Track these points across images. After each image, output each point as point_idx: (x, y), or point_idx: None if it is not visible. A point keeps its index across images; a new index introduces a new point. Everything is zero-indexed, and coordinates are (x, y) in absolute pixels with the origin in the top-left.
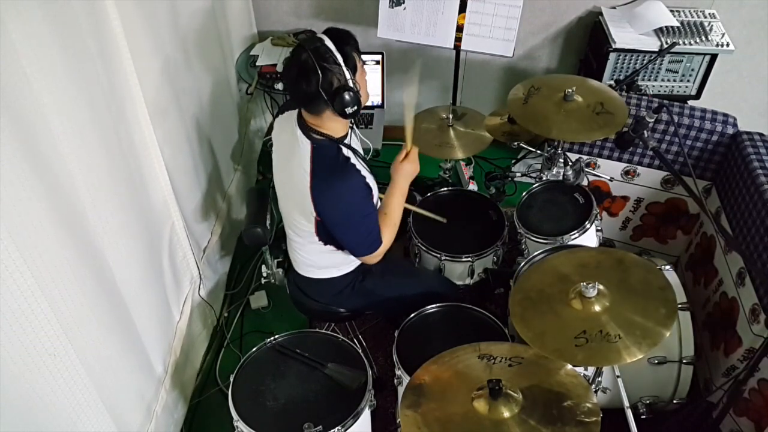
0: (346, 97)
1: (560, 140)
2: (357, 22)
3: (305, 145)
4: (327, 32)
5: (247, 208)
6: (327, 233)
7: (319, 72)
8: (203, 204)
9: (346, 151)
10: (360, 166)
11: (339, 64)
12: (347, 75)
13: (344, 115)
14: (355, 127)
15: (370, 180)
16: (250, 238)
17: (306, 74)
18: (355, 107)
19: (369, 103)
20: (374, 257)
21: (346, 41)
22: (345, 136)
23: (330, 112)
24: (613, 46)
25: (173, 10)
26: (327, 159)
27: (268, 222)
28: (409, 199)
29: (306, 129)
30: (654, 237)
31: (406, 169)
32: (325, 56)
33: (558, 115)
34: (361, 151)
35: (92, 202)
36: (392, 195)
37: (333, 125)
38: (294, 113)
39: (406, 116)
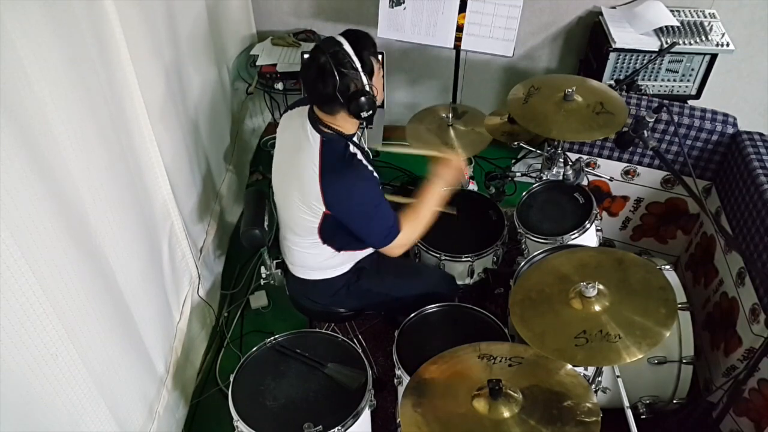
0: (362, 101)
1: (560, 140)
2: (357, 22)
3: (315, 139)
4: (345, 35)
5: (245, 209)
6: (329, 231)
7: (337, 77)
8: (199, 204)
9: (352, 148)
10: (366, 162)
11: (356, 69)
12: (364, 80)
13: (359, 118)
14: (365, 128)
15: (376, 175)
16: (248, 240)
17: (323, 77)
18: (371, 111)
19: None
20: (395, 248)
21: (364, 45)
22: (353, 135)
23: (344, 113)
24: (613, 46)
25: (172, 10)
26: (336, 153)
27: (266, 223)
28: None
29: (317, 124)
30: (654, 237)
31: (448, 173)
32: (343, 61)
33: (558, 115)
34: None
35: (93, 202)
36: (425, 196)
37: (345, 123)
38: (303, 109)
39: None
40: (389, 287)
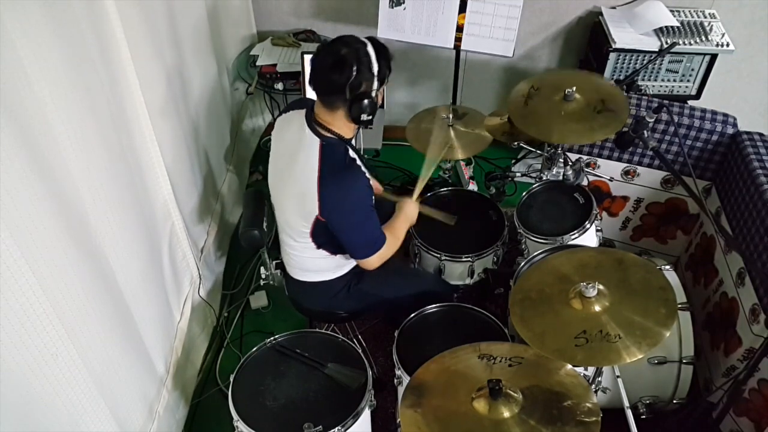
0: (365, 103)
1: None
2: (357, 22)
3: (314, 142)
4: (369, 39)
5: (244, 210)
6: (322, 236)
7: (354, 70)
8: (199, 204)
9: (351, 152)
10: (364, 168)
11: (372, 72)
12: (375, 85)
13: (356, 120)
14: (360, 131)
15: (372, 183)
16: (247, 240)
17: (341, 67)
18: (370, 117)
19: None
20: (373, 261)
21: (384, 56)
22: (351, 139)
23: (344, 112)
24: (613, 46)
25: (173, 10)
26: (335, 157)
27: (265, 224)
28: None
29: (315, 127)
30: (654, 237)
31: (412, 211)
32: (363, 59)
33: (558, 117)
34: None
35: (93, 202)
36: (398, 219)
37: (342, 126)
38: (301, 113)
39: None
40: (390, 289)
